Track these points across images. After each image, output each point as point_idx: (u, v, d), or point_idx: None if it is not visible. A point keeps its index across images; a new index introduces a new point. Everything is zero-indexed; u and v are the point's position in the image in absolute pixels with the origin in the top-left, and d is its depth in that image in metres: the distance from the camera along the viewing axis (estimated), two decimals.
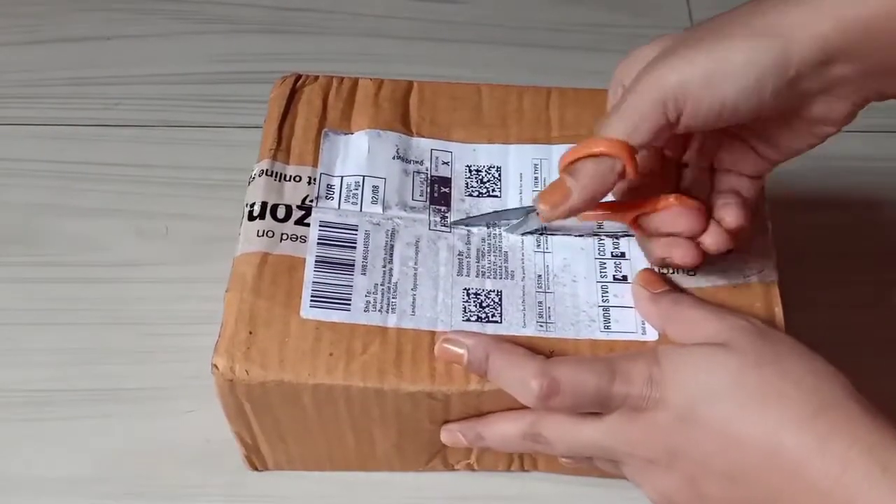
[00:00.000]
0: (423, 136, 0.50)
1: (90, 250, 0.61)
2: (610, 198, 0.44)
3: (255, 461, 0.51)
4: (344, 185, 0.48)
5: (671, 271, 0.46)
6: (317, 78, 0.51)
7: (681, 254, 0.44)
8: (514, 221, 0.47)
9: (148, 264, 0.61)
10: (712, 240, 0.43)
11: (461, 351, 0.43)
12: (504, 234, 0.47)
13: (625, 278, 0.46)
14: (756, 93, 0.38)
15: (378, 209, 0.47)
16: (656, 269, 0.46)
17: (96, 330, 0.58)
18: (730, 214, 0.43)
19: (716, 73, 0.38)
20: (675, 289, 0.45)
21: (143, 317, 0.58)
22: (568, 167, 0.42)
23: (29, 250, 0.61)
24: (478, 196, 0.49)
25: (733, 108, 0.39)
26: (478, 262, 0.46)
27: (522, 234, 0.47)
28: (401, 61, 0.71)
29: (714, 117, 0.39)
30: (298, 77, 0.51)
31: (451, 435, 0.46)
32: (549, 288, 0.46)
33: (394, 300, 0.45)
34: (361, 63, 0.70)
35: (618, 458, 0.42)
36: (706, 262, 0.46)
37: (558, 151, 0.49)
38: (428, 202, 0.48)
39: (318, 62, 0.70)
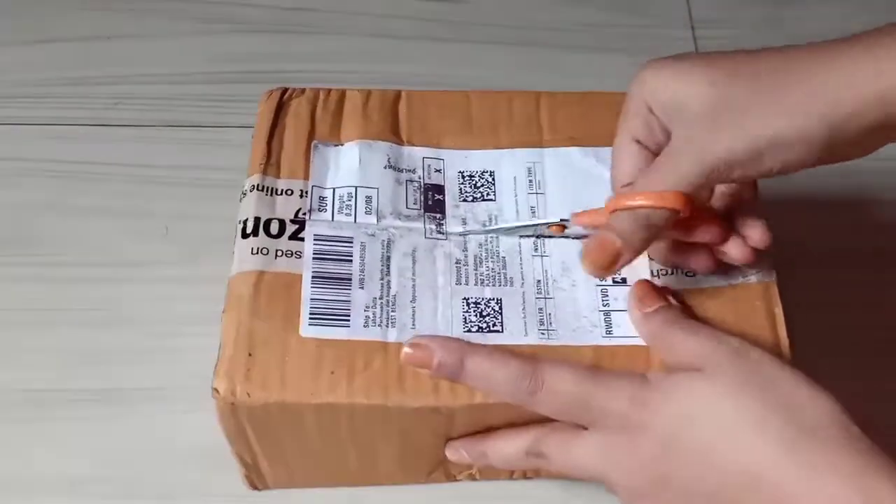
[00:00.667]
0: (414, 145, 0.50)
1: (90, 250, 0.61)
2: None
3: (256, 481, 0.50)
4: (336, 197, 0.47)
5: (671, 271, 0.46)
6: (304, 91, 0.51)
7: (699, 262, 0.44)
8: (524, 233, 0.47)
9: (148, 264, 0.61)
10: (738, 252, 0.43)
11: (428, 354, 0.42)
12: (501, 237, 0.47)
13: (624, 281, 0.46)
14: (801, 162, 0.39)
15: (372, 219, 0.47)
16: (651, 274, 0.46)
17: (96, 330, 0.58)
18: (757, 234, 0.44)
19: (766, 151, 0.39)
20: (669, 304, 0.44)
21: (143, 317, 0.58)
22: (615, 218, 0.41)
23: (29, 250, 0.61)
24: (472, 201, 0.48)
25: (777, 173, 0.40)
26: (476, 269, 0.46)
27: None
28: (401, 61, 0.71)
29: (756, 178, 0.41)
30: (285, 90, 0.50)
31: (455, 452, 0.46)
32: (548, 293, 0.46)
33: (393, 314, 0.44)
34: (361, 63, 0.70)
35: (610, 485, 0.42)
36: None
37: (551, 154, 0.49)
38: (422, 210, 0.48)
39: (318, 62, 0.70)
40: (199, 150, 0.66)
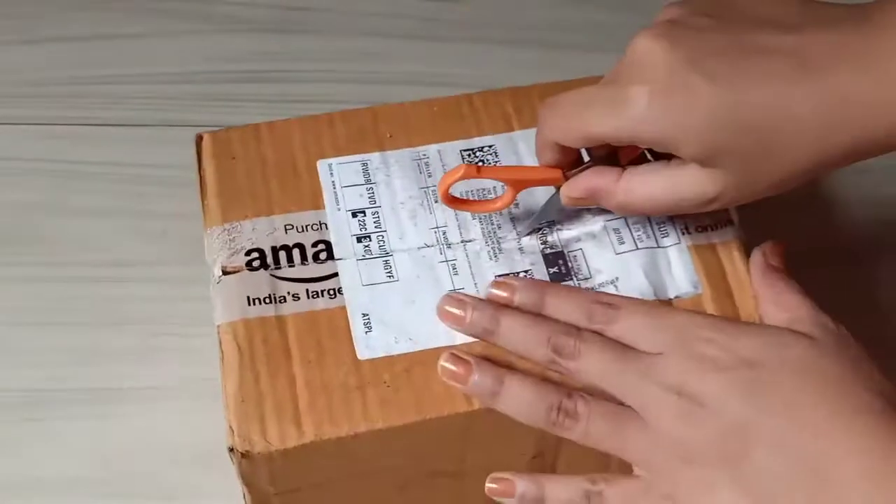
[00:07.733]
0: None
1: (90, 250, 0.61)
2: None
3: None
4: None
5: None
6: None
7: None
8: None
9: (148, 264, 0.61)
10: None
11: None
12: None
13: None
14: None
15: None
16: None
17: (96, 330, 0.58)
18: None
19: None
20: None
21: (143, 317, 0.58)
22: None
23: (29, 250, 0.61)
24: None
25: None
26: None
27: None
28: (401, 61, 0.71)
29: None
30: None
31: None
32: None
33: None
34: (361, 63, 0.70)
35: None
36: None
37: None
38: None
39: (318, 62, 0.70)
40: None
